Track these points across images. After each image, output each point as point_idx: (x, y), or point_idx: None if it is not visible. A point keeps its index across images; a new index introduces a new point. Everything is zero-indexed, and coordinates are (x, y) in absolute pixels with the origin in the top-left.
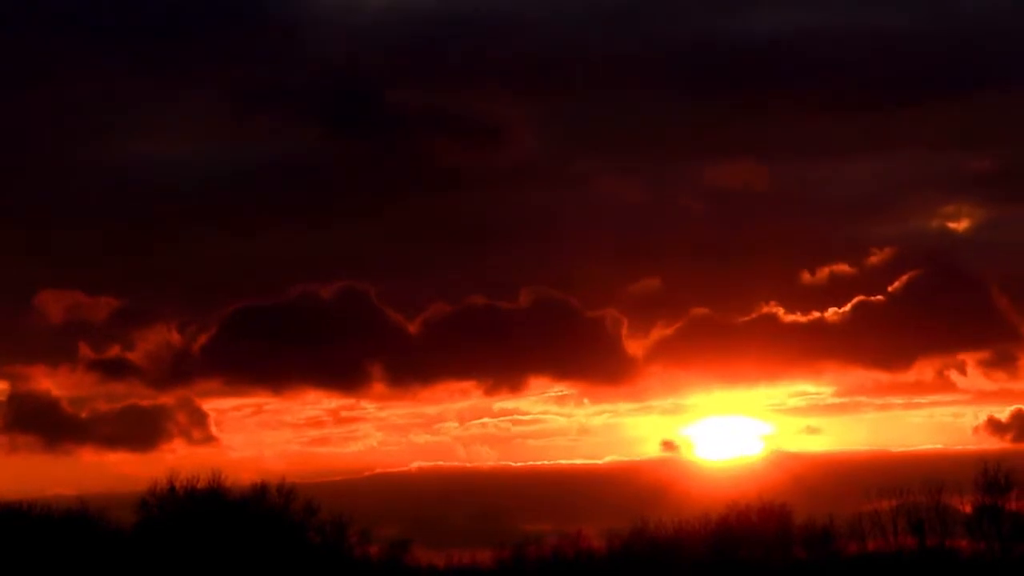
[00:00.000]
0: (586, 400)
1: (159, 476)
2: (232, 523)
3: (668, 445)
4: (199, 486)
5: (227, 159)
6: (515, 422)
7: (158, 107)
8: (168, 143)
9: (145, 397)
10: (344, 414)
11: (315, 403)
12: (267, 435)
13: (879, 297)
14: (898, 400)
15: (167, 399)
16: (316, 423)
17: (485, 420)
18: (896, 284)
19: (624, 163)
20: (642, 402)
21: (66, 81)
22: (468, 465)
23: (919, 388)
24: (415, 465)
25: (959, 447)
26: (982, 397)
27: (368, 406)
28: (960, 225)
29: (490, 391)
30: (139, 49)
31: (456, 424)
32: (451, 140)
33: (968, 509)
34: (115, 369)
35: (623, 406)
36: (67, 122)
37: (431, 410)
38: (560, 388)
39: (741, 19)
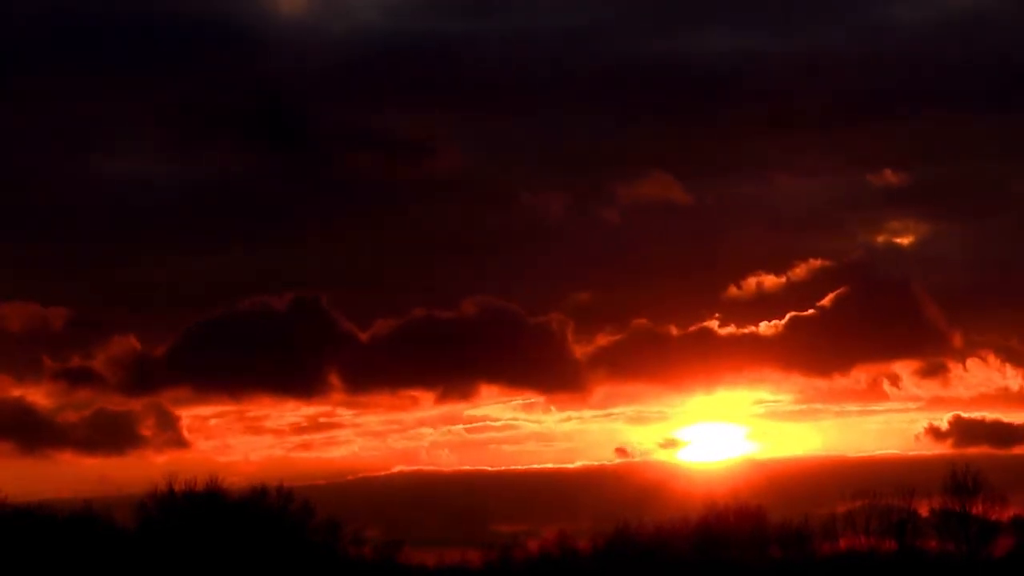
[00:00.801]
0: (553, 408)
1: (134, 480)
2: (232, 524)
3: (621, 451)
4: (197, 489)
5: (168, 177)
6: (487, 428)
7: (112, 126)
8: (115, 162)
9: (118, 404)
10: (323, 420)
11: (295, 410)
12: (249, 441)
13: (811, 311)
14: (854, 407)
15: (138, 406)
16: (297, 429)
17: (460, 427)
18: (828, 298)
19: (550, 179)
20: (605, 409)
21: (19, 100)
22: (446, 469)
23: (875, 396)
24: (396, 469)
25: (914, 452)
26: (936, 404)
27: (344, 413)
28: (905, 240)
29: (453, 399)
30: (90, 69)
31: (431, 430)
32: (383, 156)
33: (926, 512)
34: (81, 377)
35: (587, 413)
36: (19, 139)
37: (406, 417)
38: (527, 396)
39: (671, 41)
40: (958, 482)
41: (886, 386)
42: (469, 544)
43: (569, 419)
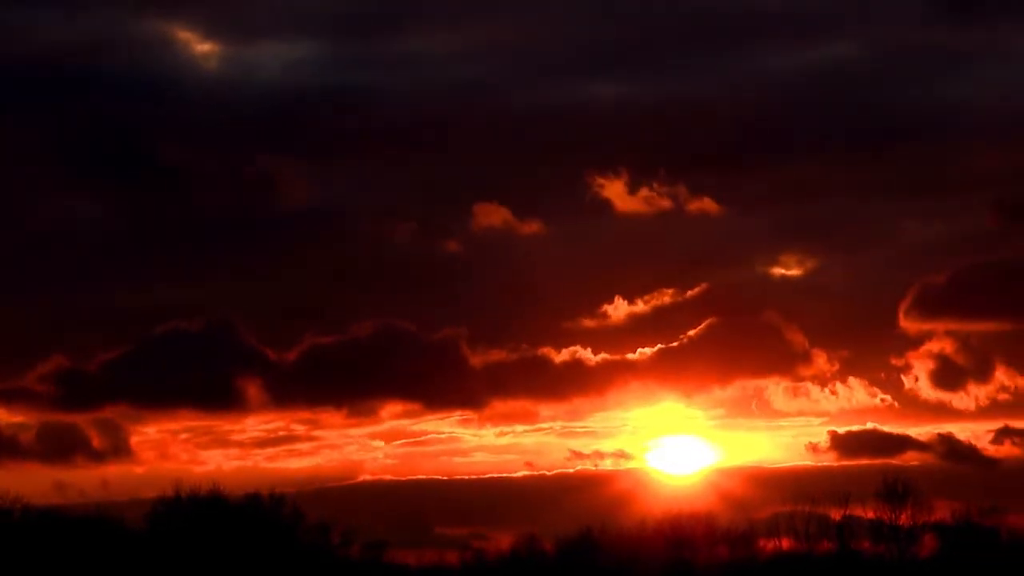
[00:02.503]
0: (488, 424)
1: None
2: (233, 527)
3: (530, 464)
4: (201, 494)
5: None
6: (435, 441)
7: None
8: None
9: (66, 419)
10: (282, 434)
11: (255, 425)
12: (217, 453)
13: (675, 341)
14: (762, 423)
15: (87, 420)
16: (260, 442)
17: (410, 440)
18: (701, 326)
19: (397, 210)
20: (533, 424)
21: None
22: (403, 478)
23: (780, 412)
24: (361, 478)
25: (825, 463)
26: (839, 417)
27: (298, 427)
28: (794, 272)
29: (387, 415)
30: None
31: (383, 443)
32: (227, 192)
33: (838, 516)
34: (19, 396)
35: (519, 427)
36: None
37: (358, 431)
38: (462, 412)
39: (545, 91)
40: (890, 488)
41: (774, 403)
42: (433, 546)
43: (503, 433)
